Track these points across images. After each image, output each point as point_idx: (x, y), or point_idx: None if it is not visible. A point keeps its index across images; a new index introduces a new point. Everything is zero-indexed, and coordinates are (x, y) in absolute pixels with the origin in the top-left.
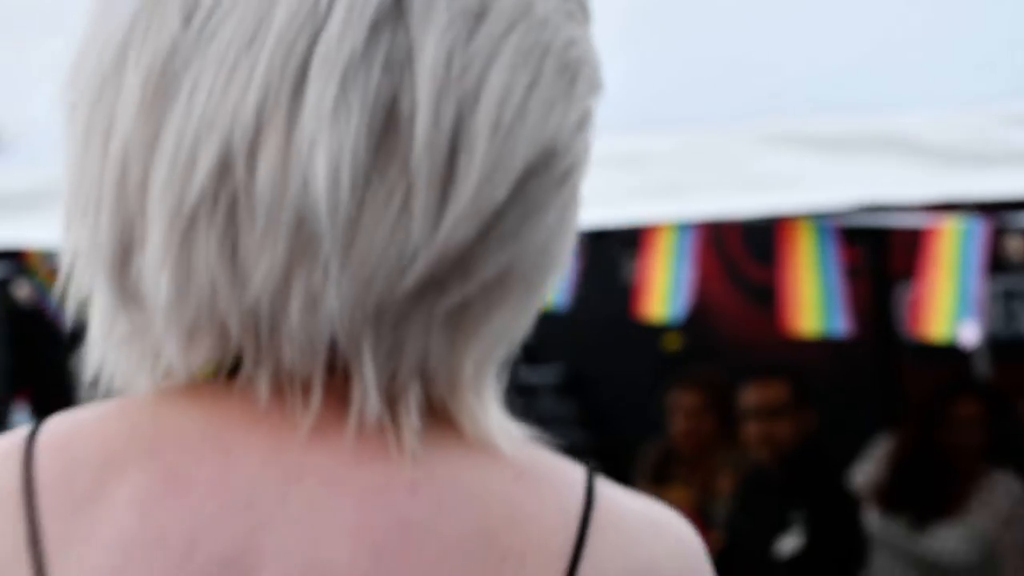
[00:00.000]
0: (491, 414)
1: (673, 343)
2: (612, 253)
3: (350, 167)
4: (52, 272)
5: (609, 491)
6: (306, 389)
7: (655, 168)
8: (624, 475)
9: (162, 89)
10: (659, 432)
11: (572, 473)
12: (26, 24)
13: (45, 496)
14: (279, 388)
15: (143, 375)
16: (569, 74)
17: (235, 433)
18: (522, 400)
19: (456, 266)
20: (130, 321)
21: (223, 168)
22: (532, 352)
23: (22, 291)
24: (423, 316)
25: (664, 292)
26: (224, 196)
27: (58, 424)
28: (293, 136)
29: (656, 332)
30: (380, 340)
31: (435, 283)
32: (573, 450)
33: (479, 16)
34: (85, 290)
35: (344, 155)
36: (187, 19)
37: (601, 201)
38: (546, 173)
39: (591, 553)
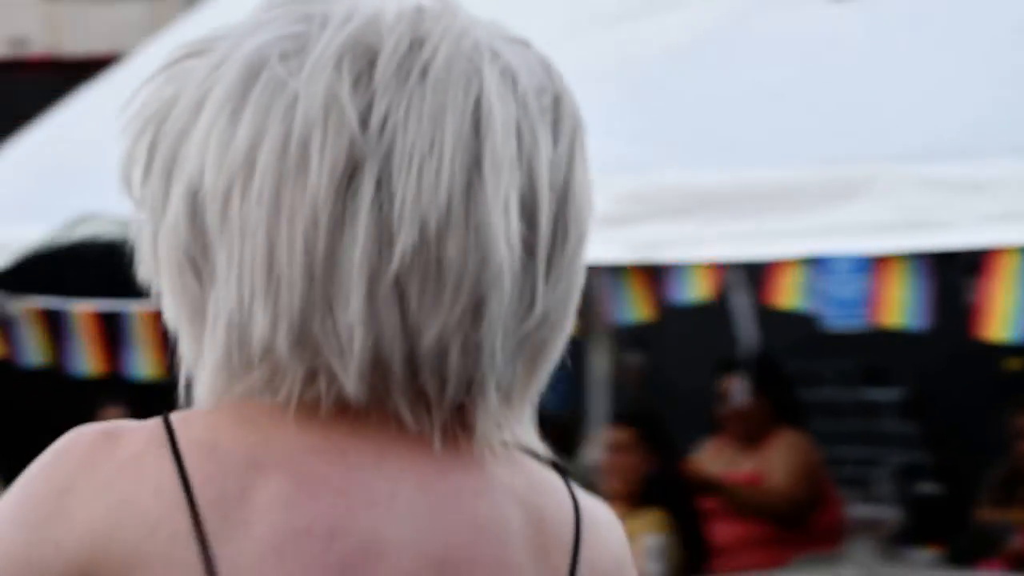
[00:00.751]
0: (531, 429)
1: (1015, 364)
2: (954, 275)
3: (517, 250)
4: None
5: (577, 491)
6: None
7: (1000, 193)
8: (966, 495)
9: (346, 181)
10: (1001, 453)
11: (555, 477)
12: None
13: (202, 491)
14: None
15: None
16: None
17: (353, 446)
18: (864, 419)
19: (545, 317)
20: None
21: (419, 247)
22: (877, 372)
23: None
24: (519, 354)
25: (1006, 314)
26: (417, 268)
27: (192, 425)
28: (472, 223)
29: (998, 353)
30: (501, 376)
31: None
32: (915, 469)
33: (555, 123)
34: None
35: (513, 240)
36: (364, 123)
37: (946, 225)
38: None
39: (585, 546)
